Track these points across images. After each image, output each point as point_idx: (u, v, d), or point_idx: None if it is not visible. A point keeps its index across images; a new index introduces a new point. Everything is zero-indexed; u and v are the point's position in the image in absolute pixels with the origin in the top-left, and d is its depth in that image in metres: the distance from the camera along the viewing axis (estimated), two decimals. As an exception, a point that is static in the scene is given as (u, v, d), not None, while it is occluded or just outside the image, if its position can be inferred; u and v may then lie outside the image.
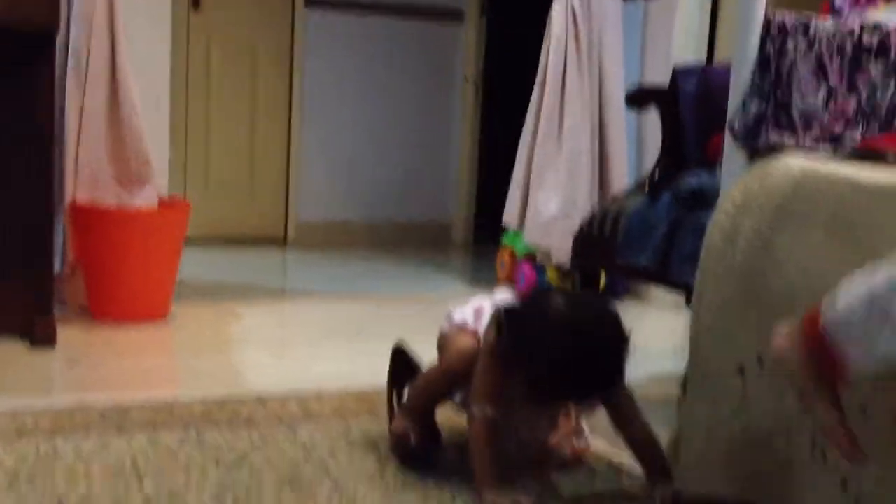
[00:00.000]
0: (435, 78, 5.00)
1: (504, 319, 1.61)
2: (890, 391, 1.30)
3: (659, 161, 2.35)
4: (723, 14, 3.14)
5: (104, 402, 2.08)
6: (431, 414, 1.87)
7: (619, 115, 3.40)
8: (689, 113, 2.22)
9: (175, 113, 3.91)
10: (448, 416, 1.91)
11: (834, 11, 2.20)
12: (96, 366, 2.44)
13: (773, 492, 1.49)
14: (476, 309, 1.79)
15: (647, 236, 2.08)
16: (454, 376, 1.76)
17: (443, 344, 1.83)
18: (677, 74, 2.35)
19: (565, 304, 1.58)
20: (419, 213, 5.01)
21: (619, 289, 3.46)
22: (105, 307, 2.87)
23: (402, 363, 1.97)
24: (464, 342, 1.75)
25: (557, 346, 1.53)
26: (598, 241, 2.29)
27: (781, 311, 1.48)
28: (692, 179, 2.05)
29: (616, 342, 1.56)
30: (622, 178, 3.42)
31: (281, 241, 4.80)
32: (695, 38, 3.20)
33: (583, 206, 3.29)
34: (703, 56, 3.23)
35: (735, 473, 1.53)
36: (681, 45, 3.33)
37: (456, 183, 5.10)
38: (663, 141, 2.36)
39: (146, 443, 1.85)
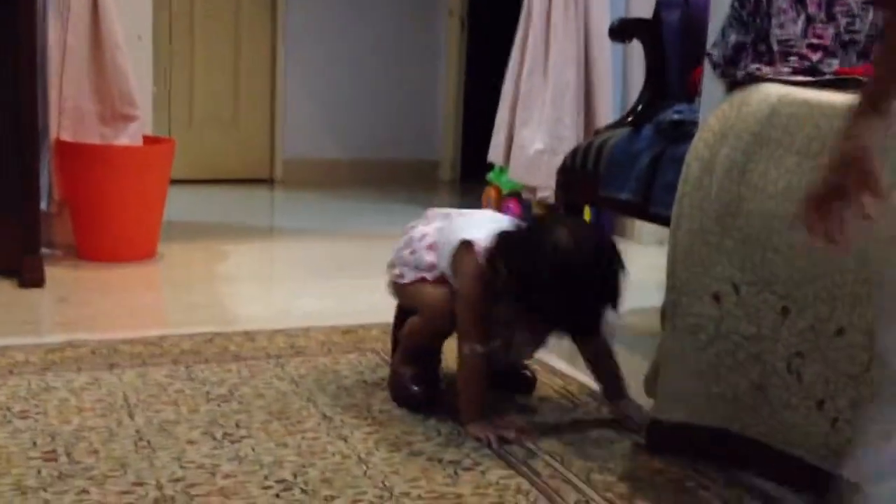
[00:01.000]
0: (420, 13, 4.95)
1: (503, 247, 1.63)
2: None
3: (642, 93, 2.35)
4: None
5: (94, 339, 2.11)
6: (429, 358, 1.87)
7: (604, 48, 3.37)
8: (672, 45, 2.22)
9: (158, 50, 3.88)
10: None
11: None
12: (85, 304, 2.47)
13: (749, 417, 1.53)
14: (428, 245, 1.78)
15: (629, 169, 2.09)
16: (435, 331, 1.78)
17: (409, 294, 1.81)
18: (660, 6, 2.34)
19: (565, 232, 1.59)
20: (406, 150, 5.00)
21: (604, 224, 3.48)
22: (93, 246, 2.88)
23: None
24: (435, 297, 1.74)
25: (559, 275, 1.55)
26: (581, 174, 2.30)
27: (758, 238, 1.50)
28: (674, 111, 2.06)
29: (615, 271, 1.58)
30: (607, 113, 3.41)
31: (267, 180, 4.80)
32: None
33: (568, 141, 3.28)
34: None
35: (712, 401, 1.57)
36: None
37: (442, 120, 5.08)
38: (647, 73, 2.36)
39: (136, 378, 1.88)
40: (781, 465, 1.49)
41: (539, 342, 1.79)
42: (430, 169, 5.10)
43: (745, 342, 1.53)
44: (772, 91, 1.52)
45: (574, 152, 2.36)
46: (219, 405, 1.76)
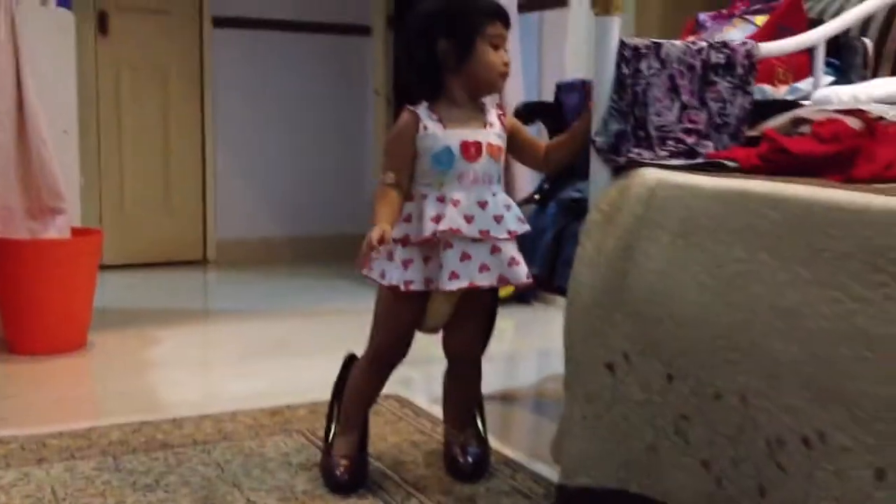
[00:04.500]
0: (346, 91, 5.10)
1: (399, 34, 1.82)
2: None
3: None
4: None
5: (23, 434, 2.15)
6: (361, 429, 1.93)
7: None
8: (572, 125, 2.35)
9: (87, 140, 3.96)
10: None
11: (698, 26, 2.37)
12: (14, 398, 2.50)
13: (645, 477, 1.64)
14: None
15: (535, 245, 2.21)
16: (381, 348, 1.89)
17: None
18: (560, 89, 2.49)
19: None
20: (337, 225, 5.09)
21: (527, 294, 3.61)
22: (23, 339, 2.91)
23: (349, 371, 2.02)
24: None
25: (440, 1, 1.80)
26: (493, 250, 2.41)
27: (643, 312, 1.62)
28: (574, 189, 2.18)
29: None
30: (526, 186, 3.56)
31: (201, 262, 4.85)
32: (584, 53, 3.37)
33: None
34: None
35: (611, 463, 1.67)
36: (574, 54, 3.49)
37: (371, 194, 5.19)
38: (550, 151, 2.50)
39: (64, 471, 1.93)
40: (677, 523, 1.59)
41: (484, 122, 1.83)
42: (362, 243, 5.18)
43: (638, 408, 1.64)
44: (650, 176, 1.65)
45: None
46: (145, 495, 1.81)
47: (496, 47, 1.78)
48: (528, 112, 2.48)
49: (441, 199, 1.76)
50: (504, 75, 1.81)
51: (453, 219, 1.75)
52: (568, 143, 1.87)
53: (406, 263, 1.78)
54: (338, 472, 1.85)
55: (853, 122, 1.62)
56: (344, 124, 5.11)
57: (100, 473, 1.92)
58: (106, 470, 1.94)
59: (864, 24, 2.27)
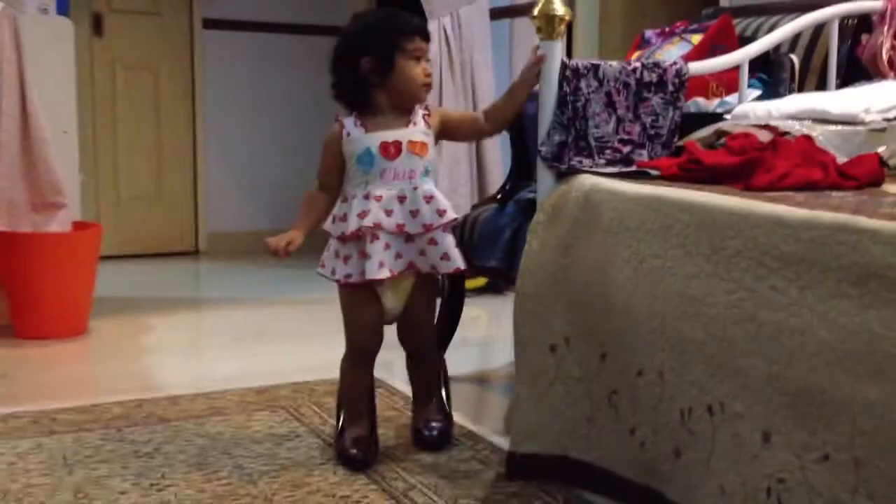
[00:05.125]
0: (328, 89, 5.31)
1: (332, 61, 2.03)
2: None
3: (510, 174, 2.72)
4: (577, 38, 3.54)
5: (34, 410, 2.38)
6: (368, 413, 2.13)
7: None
8: (532, 132, 2.59)
9: (84, 137, 4.17)
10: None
11: (644, 41, 2.61)
12: (23, 378, 2.73)
13: (583, 444, 1.88)
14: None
15: (496, 240, 2.45)
16: (354, 347, 2.09)
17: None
18: (520, 97, 2.72)
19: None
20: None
21: (500, 286, 3.86)
22: (28, 326, 3.14)
23: None
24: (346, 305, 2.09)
25: (360, 18, 2.06)
26: (460, 245, 2.65)
27: (579, 301, 1.87)
28: (530, 191, 2.42)
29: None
30: (498, 183, 3.80)
31: (193, 253, 5.08)
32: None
33: (464, 209, 3.66)
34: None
35: (554, 433, 1.91)
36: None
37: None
38: (512, 157, 2.73)
39: (73, 442, 2.17)
40: (609, 482, 1.84)
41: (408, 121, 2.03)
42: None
43: (577, 384, 1.88)
44: (586, 182, 1.89)
45: (455, 227, 2.70)
46: (146, 461, 2.05)
47: (417, 59, 1.97)
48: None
49: (367, 197, 1.97)
50: (427, 86, 2.00)
51: (375, 214, 1.95)
52: (504, 110, 2.10)
53: (346, 259, 2.00)
54: (351, 452, 2.04)
55: (764, 136, 1.87)
56: (327, 122, 5.31)
57: (105, 443, 2.16)
58: (111, 440, 2.18)
59: (793, 41, 2.52)
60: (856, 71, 2.41)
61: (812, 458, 1.41)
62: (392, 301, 2.07)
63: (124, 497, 1.86)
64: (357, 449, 2.05)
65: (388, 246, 1.98)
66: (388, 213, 1.97)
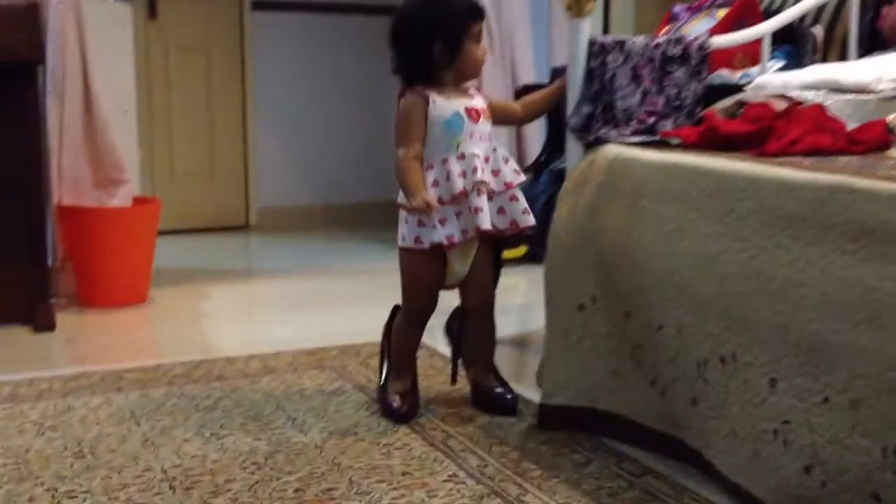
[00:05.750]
0: (375, 68, 5.43)
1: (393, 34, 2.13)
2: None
3: (545, 146, 2.85)
4: (614, 14, 3.64)
5: (102, 369, 2.58)
6: (411, 367, 2.26)
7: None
8: (565, 106, 2.70)
9: (140, 117, 4.36)
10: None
11: (673, 17, 2.72)
12: (91, 342, 2.94)
13: (609, 396, 2.02)
14: None
15: (532, 208, 2.58)
16: (412, 307, 2.21)
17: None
18: (555, 72, 2.85)
19: None
20: (370, 193, 5.47)
21: (539, 253, 3.98)
22: (93, 295, 3.35)
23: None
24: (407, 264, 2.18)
25: (425, 3, 2.12)
26: (498, 213, 2.79)
27: (606, 262, 2.00)
28: (562, 161, 2.54)
29: None
30: (536, 153, 3.92)
31: (244, 227, 5.28)
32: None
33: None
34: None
35: (582, 386, 2.05)
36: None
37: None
38: (547, 130, 2.86)
39: (140, 397, 2.35)
40: (633, 431, 1.98)
41: (470, 95, 2.15)
42: (392, 208, 5.57)
43: (603, 340, 2.02)
44: (611, 151, 2.02)
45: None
46: (206, 413, 2.23)
47: (477, 41, 2.11)
48: (527, 93, 2.82)
49: (462, 157, 2.07)
50: (482, 63, 2.16)
51: (483, 170, 2.07)
52: (539, 104, 2.27)
53: (442, 222, 2.08)
54: (395, 405, 2.19)
55: (780, 105, 1.97)
56: (373, 100, 5.47)
57: (168, 398, 2.34)
58: (173, 396, 2.36)
59: (817, 14, 2.60)
60: (878, 42, 2.49)
61: (814, 402, 1.53)
62: (460, 263, 2.16)
63: (187, 444, 2.04)
64: (400, 402, 2.20)
65: (490, 198, 2.11)
66: (475, 170, 2.07)
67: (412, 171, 2.08)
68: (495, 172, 2.13)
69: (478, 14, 2.11)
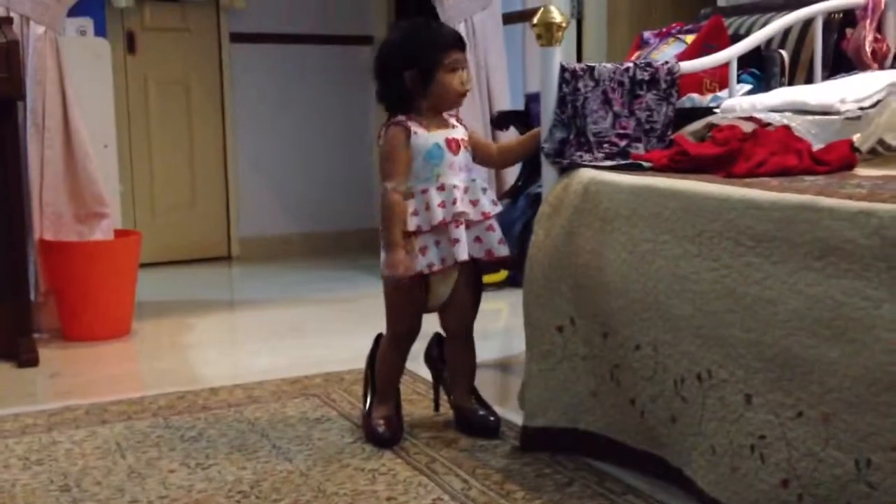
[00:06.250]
0: (352, 97, 5.50)
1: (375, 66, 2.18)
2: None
3: (521, 170, 2.89)
4: (586, 39, 3.70)
5: (86, 403, 2.59)
6: (395, 395, 2.30)
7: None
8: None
9: (120, 150, 4.38)
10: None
11: (643, 42, 2.77)
12: (75, 376, 2.94)
13: (589, 416, 2.05)
14: None
15: (509, 232, 2.62)
16: (396, 332, 2.24)
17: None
18: (529, 99, 2.90)
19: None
20: (351, 221, 5.50)
21: (520, 278, 4.02)
22: (76, 328, 3.35)
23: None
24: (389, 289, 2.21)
25: (401, 31, 2.19)
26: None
27: (583, 284, 2.03)
28: (539, 185, 2.59)
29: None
30: (511, 180, 3.96)
31: (226, 258, 5.29)
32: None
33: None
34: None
35: (563, 407, 2.08)
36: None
37: (376, 195, 5.61)
38: (523, 154, 2.90)
39: (124, 429, 2.36)
40: (614, 450, 2.01)
41: (453, 126, 2.20)
42: (373, 236, 5.61)
43: (582, 361, 2.05)
44: (585, 175, 2.06)
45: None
46: (191, 444, 2.24)
47: (454, 70, 2.13)
48: (502, 119, 2.88)
49: (441, 188, 2.12)
50: (463, 94, 2.17)
51: (461, 200, 2.12)
52: (515, 151, 2.33)
53: (423, 251, 2.13)
54: (380, 430, 2.21)
55: (748, 127, 2.02)
56: (352, 127, 5.52)
57: (153, 430, 2.35)
58: (158, 427, 2.37)
59: (783, 37, 2.66)
60: (843, 64, 2.55)
61: (788, 416, 1.57)
62: (443, 287, 2.19)
63: (173, 475, 2.05)
64: (385, 427, 2.22)
65: (468, 227, 2.15)
66: (454, 202, 2.12)
67: (395, 218, 2.12)
68: (474, 202, 2.17)
69: (451, 44, 2.15)
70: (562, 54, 2.16)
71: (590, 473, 2.00)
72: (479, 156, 2.28)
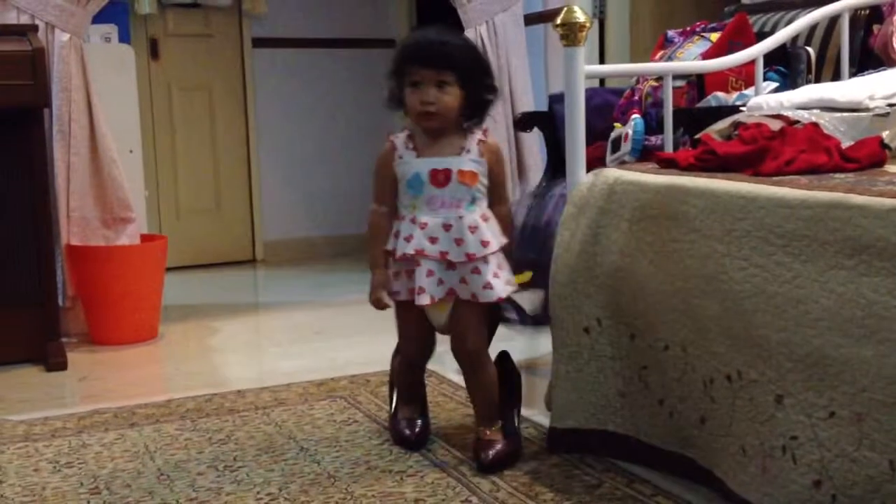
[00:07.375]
0: (375, 100, 5.48)
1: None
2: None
3: (545, 171, 2.89)
4: (609, 39, 3.69)
5: (115, 406, 2.60)
6: (420, 395, 2.27)
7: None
8: (563, 132, 2.75)
9: (145, 155, 4.41)
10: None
11: (667, 41, 2.76)
12: (103, 380, 2.96)
13: (618, 418, 2.04)
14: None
15: (534, 233, 2.62)
16: (406, 352, 2.22)
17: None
18: (552, 99, 2.89)
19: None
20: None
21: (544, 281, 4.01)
22: (103, 332, 3.38)
23: None
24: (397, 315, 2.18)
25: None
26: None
27: (609, 284, 2.02)
28: (564, 185, 2.58)
29: (439, 34, 1.99)
30: (537, 179, 3.96)
31: (251, 261, 5.32)
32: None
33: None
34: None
35: (591, 408, 2.07)
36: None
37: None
38: (547, 155, 2.90)
39: (153, 432, 2.38)
40: (643, 452, 1.99)
41: (460, 147, 2.01)
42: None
43: (610, 362, 2.04)
44: (611, 175, 2.05)
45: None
46: (219, 447, 2.25)
47: (414, 85, 1.97)
48: (525, 121, 2.88)
49: (413, 221, 1.99)
50: (422, 114, 1.97)
51: (419, 240, 1.97)
52: (502, 227, 2.07)
53: (396, 275, 2.07)
54: (406, 432, 2.20)
55: (775, 125, 2.01)
56: (374, 130, 5.51)
57: (181, 433, 2.36)
58: (186, 430, 2.38)
59: (809, 34, 2.64)
60: (870, 60, 2.53)
61: (820, 416, 1.55)
62: (438, 318, 2.11)
63: (202, 477, 2.06)
64: (411, 429, 2.22)
65: (430, 273, 1.99)
66: (433, 240, 1.98)
67: (373, 240, 2.08)
68: (458, 241, 1.98)
69: (410, 58, 1.99)
70: (585, 54, 2.15)
71: (618, 475, 1.99)
72: (492, 193, 2.07)
